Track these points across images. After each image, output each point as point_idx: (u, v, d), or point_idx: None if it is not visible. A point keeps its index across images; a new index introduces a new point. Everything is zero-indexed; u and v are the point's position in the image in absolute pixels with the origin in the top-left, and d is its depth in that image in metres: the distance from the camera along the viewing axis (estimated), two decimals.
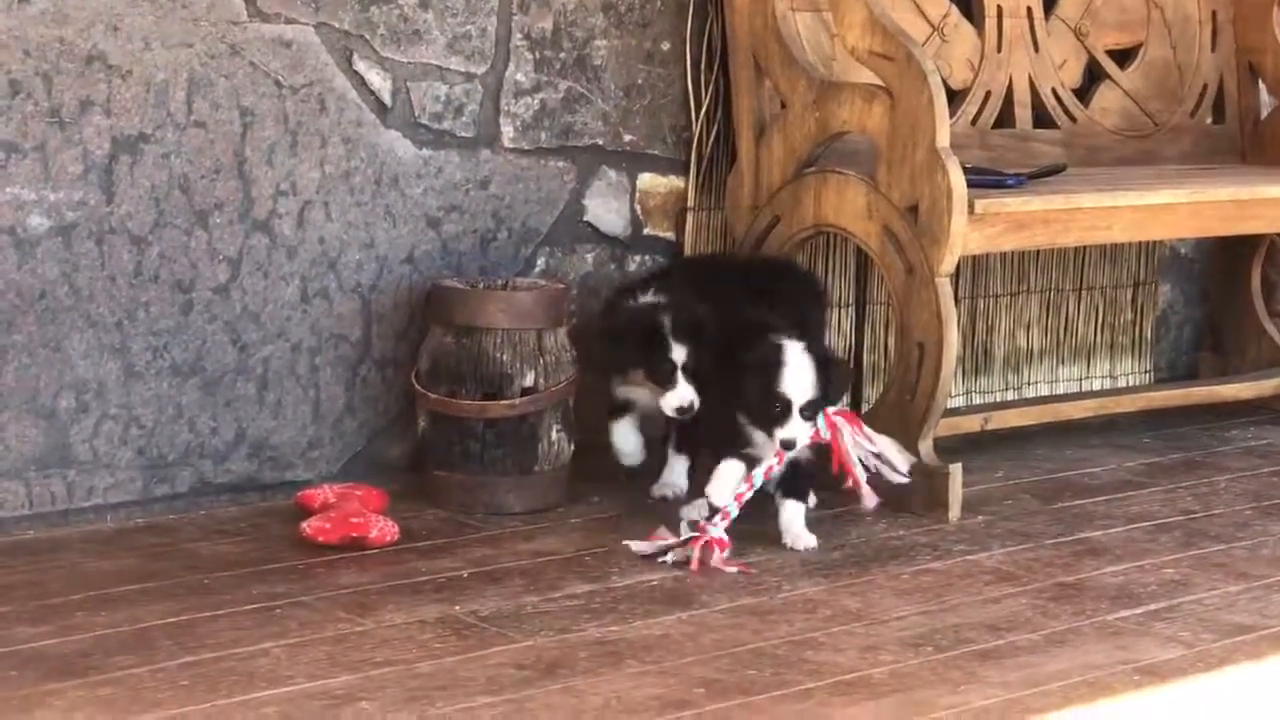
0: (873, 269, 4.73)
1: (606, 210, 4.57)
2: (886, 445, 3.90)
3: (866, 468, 3.88)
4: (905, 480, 3.93)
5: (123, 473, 3.95)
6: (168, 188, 3.93)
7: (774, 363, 3.76)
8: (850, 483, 3.87)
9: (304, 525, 3.79)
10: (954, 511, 4.12)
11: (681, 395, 3.97)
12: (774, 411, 3.75)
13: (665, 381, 3.99)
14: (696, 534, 3.71)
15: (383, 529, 3.79)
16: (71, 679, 2.98)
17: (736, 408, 3.82)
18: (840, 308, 4.81)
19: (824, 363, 3.81)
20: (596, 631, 3.29)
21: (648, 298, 4.09)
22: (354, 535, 3.76)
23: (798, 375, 3.76)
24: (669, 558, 3.71)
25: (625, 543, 3.79)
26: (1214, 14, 5.40)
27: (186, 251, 3.97)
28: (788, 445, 3.75)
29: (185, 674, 3.01)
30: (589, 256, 4.55)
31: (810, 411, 3.76)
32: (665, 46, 4.60)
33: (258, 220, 4.05)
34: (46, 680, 2.97)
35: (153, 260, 3.93)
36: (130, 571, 3.58)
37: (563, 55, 4.45)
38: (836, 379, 3.89)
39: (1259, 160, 5.40)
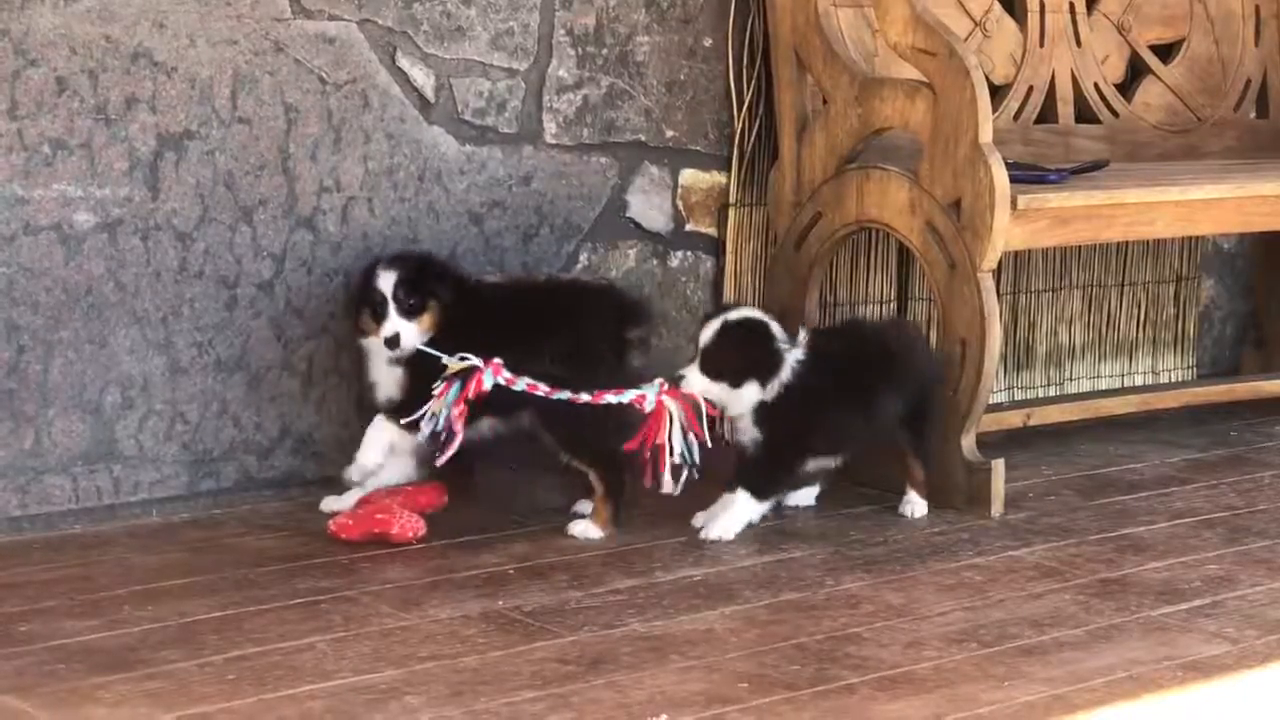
0: (915, 265, 4.73)
1: (648, 206, 4.57)
2: (685, 447, 3.79)
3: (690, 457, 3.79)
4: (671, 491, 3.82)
5: (168, 468, 3.97)
6: (212, 184, 3.95)
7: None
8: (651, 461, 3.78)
9: (329, 522, 3.80)
10: (996, 507, 4.12)
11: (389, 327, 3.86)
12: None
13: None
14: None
15: (405, 524, 3.76)
16: (118, 673, 3.00)
17: None
18: (882, 304, 4.81)
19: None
20: (640, 626, 3.30)
21: None
22: (376, 531, 3.75)
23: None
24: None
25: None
26: (1257, 8, 5.38)
27: (231, 247, 3.99)
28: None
29: (231, 668, 3.03)
30: (631, 253, 4.55)
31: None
32: (707, 42, 4.61)
33: (302, 216, 4.07)
34: (93, 674, 2.99)
35: (198, 256, 3.95)
36: (176, 566, 3.60)
37: (605, 51, 4.45)
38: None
39: None
